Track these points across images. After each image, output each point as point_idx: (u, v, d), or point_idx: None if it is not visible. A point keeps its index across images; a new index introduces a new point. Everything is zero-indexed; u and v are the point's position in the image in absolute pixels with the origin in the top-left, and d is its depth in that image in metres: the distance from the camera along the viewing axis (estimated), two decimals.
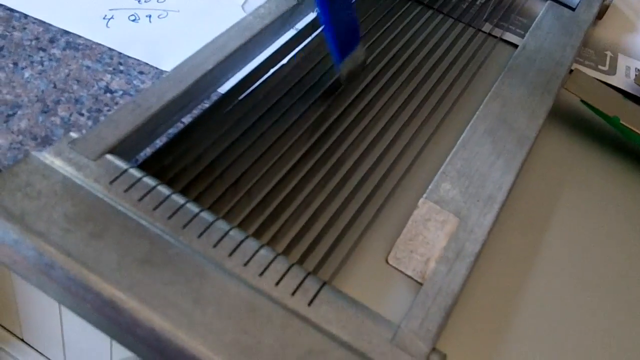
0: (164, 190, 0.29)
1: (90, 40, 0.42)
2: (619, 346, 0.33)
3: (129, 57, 0.42)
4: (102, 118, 0.37)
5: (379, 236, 0.33)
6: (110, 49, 0.42)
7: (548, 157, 0.41)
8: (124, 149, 0.31)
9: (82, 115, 0.37)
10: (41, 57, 0.40)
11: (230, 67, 0.37)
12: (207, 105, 0.36)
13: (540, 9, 0.49)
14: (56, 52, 0.41)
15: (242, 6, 0.48)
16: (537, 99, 0.40)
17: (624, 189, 0.41)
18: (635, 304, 0.35)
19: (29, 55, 0.40)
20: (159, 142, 0.35)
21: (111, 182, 0.29)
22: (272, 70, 0.39)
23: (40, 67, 0.39)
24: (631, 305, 0.35)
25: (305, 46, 0.41)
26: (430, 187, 0.34)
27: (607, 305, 0.35)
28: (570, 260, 0.36)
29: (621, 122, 0.41)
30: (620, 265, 0.37)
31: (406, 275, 0.32)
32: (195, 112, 0.37)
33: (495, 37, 0.48)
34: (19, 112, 0.37)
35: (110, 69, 0.41)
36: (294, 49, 0.41)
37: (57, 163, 0.29)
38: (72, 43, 0.41)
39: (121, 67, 0.41)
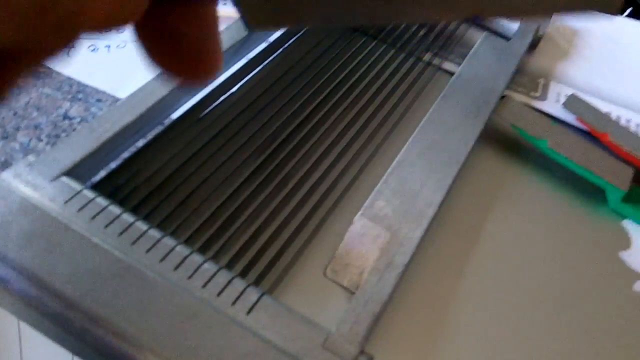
0: (115, 209, 0.32)
1: (51, 69, 0.44)
2: (545, 353, 0.36)
3: (87, 85, 0.44)
4: None
5: (319, 250, 0.36)
6: (69, 77, 0.44)
7: (480, 177, 0.44)
8: (79, 171, 0.34)
9: (41, 140, 0.40)
10: None
11: (183, 94, 0.40)
12: (160, 129, 0.39)
13: (477, 40, 0.53)
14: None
15: None
16: (469, 123, 0.43)
17: (549, 206, 0.44)
18: (559, 311, 0.38)
19: None
20: (113, 165, 0.38)
21: (65, 202, 0.31)
22: (223, 97, 0.42)
23: None
24: (556, 312, 0.38)
25: (255, 74, 0.44)
26: (365, 204, 0.37)
27: (534, 313, 0.38)
28: (498, 272, 0.39)
29: (548, 144, 0.44)
30: (545, 276, 0.40)
31: (342, 286, 0.34)
32: (149, 135, 0.40)
33: (435, 65, 0.51)
34: None
35: (69, 96, 0.43)
36: (245, 76, 0.44)
37: (15, 184, 0.32)
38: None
39: (80, 95, 0.43)
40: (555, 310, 0.38)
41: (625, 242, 0.43)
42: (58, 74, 0.44)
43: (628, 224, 0.44)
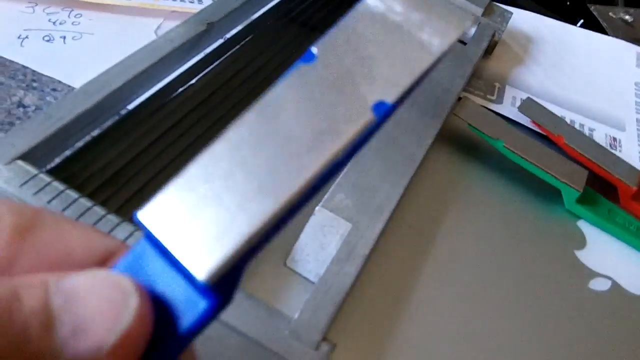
0: (72, 193, 0.31)
1: (4, 58, 0.43)
2: (500, 347, 0.36)
3: (42, 75, 0.43)
4: None
5: (279, 241, 0.36)
6: (24, 66, 0.43)
7: (437, 175, 0.45)
8: (34, 156, 0.33)
9: None
10: None
11: (139, 85, 0.39)
12: (117, 118, 0.38)
13: None
14: None
15: (155, 31, 0.50)
16: (427, 122, 0.44)
17: (505, 206, 0.45)
18: (516, 306, 0.38)
19: None
20: (68, 152, 0.37)
21: (21, 185, 0.31)
22: (180, 89, 0.41)
23: None
24: (513, 307, 0.38)
25: (213, 68, 0.44)
26: (326, 196, 0.37)
27: (490, 307, 0.38)
28: (454, 267, 0.39)
29: (504, 144, 0.44)
30: (502, 272, 0.40)
31: (302, 276, 0.34)
32: (106, 124, 0.39)
33: None
34: None
35: (24, 85, 0.42)
36: (202, 70, 0.43)
37: None
38: None
39: (35, 84, 0.42)
40: (512, 305, 0.39)
41: (580, 241, 0.44)
42: (12, 62, 0.43)
43: (583, 224, 0.45)
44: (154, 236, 0.15)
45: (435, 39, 0.17)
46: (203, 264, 0.14)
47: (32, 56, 0.44)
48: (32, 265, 0.16)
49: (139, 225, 0.15)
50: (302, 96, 0.16)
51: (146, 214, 0.15)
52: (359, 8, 0.18)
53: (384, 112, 0.16)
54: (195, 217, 0.15)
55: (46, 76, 0.43)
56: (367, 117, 0.16)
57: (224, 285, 0.15)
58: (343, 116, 0.16)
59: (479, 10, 0.58)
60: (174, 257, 0.15)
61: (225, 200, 0.15)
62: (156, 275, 0.16)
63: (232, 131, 0.16)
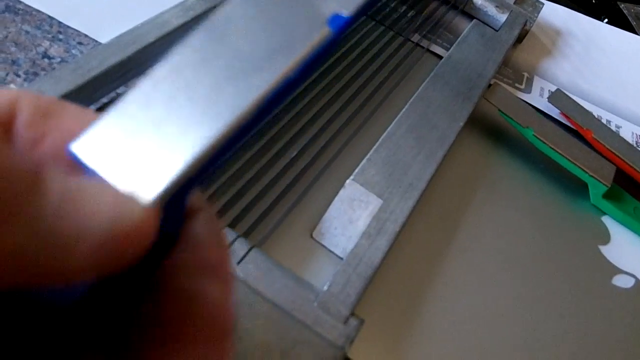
0: None
1: (30, 7, 0.42)
2: (517, 330, 0.36)
3: (68, 27, 0.42)
4: None
5: (307, 211, 0.35)
6: (50, 17, 0.42)
7: (465, 158, 0.44)
8: None
9: (19, 76, 0.38)
10: None
11: (170, 42, 0.38)
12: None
13: (466, 27, 0.52)
14: None
15: None
16: (459, 104, 0.43)
17: (531, 195, 0.44)
18: (533, 288, 0.38)
19: None
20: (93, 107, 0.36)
21: None
22: None
23: None
24: (531, 291, 0.38)
25: None
26: (356, 170, 0.36)
27: (514, 291, 0.37)
28: (478, 248, 0.39)
29: (534, 133, 0.44)
30: (526, 259, 0.39)
31: (328, 249, 0.33)
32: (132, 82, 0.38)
33: (423, 47, 0.50)
34: None
35: (50, 36, 0.41)
36: None
37: None
38: (12, 7, 0.42)
39: (60, 36, 0.41)
40: (533, 293, 0.38)
41: (604, 237, 0.43)
42: (38, 11, 0.42)
43: (607, 220, 0.44)
44: (90, 169, 0.14)
45: None
46: (142, 196, 0.13)
47: (59, 7, 0.43)
48: (54, 151, 0.15)
49: (73, 159, 0.14)
50: (252, 12, 0.15)
51: (81, 146, 0.14)
52: None
53: (340, 26, 0.15)
54: (133, 146, 0.14)
55: (72, 29, 0.42)
56: (322, 31, 0.15)
57: (167, 217, 0.14)
58: (296, 31, 0.15)
59: None
60: None
61: (166, 126, 0.14)
62: None
63: (175, 52, 0.15)
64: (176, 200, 0.14)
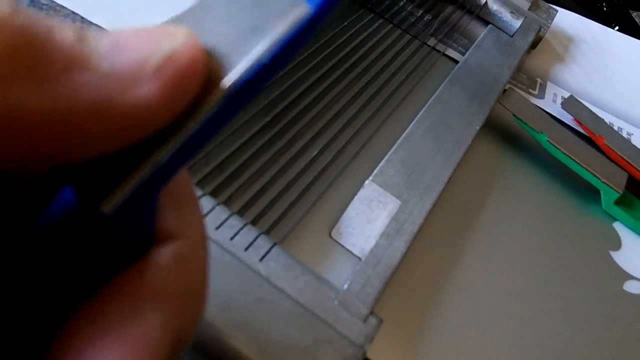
0: None
1: (55, 2, 0.43)
2: (529, 334, 0.36)
3: (91, 22, 0.42)
4: None
5: (325, 211, 0.35)
6: (73, 12, 0.42)
7: (479, 161, 0.44)
8: None
9: None
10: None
11: None
12: None
13: (481, 32, 0.53)
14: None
15: None
16: (475, 107, 0.43)
17: (544, 200, 0.44)
18: (550, 298, 0.38)
19: None
20: None
21: None
22: None
23: None
24: (547, 299, 0.38)
25: None
26: (375, 171, 0.36)
27: (525, 285, 0.38)
28: (492, 251, 0.39)
29: (547, 139, 0.44)
30: (537, 265, 0.40)
31: (346, 249, 0.34)
32: None
33: (439, 51, 0.51)
34: None
35: None
36: None
37: None
38: (37, 2, 0.42)
39: None
40: (545, 297, 0.38)
41: (616, 243, 0.44)
42: (62, 7, 0.42)
43: (619, 226, 0.45)
44: None
45: None
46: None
47: (83, 2, 0.43)
48: None
49: None
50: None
51: None
52: None
53: (319, 4, 0.14)
54: None
55: (95, 25, 0.42)
56: (299, 10, 0.14)
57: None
58: (271, 10, 0.14)
59: (526, 4, 0.58)
60: None
61: None
62: None
63: None
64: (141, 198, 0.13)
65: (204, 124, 0.13)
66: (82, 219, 0.14)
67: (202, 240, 0.17)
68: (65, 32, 0.12)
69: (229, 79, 0.13)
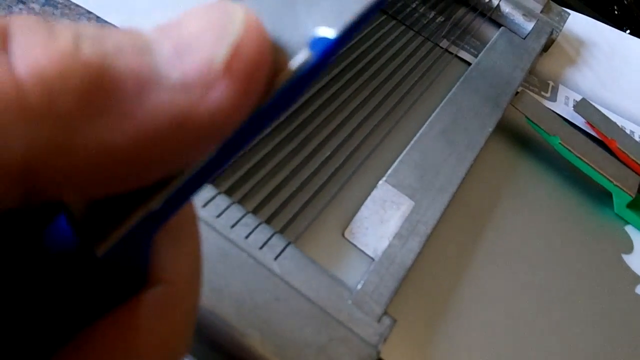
0: None
1: (70, 1, 0.43)
2: (541, 335, 0.36)
3: (106, 22, 0.43)
4: None
5: (339, 211, 0.35)
6: (88, 11, 0.43)
7: (492, 163, 0.44)
8: None
9: None
10: (20, 9, 0.41)
11: None
12: None
13: (493, 35, 0.53)
14: (35, 6, 0.41)
15: None
16: (488, 109, 0.43)
17: (556, 203, 0.44)
18: (557, 295, 0.38)
19: (9, 6, 0.40)
20: None
21: None
22: None
23: None
24: (555, 297, 0.38)
25: None
26: (389, 172, 0.36)
27: (537, 288, 0.38)
28: (504, 253, 0.39)
29: (560, 141, 0.44)
30: (550, 268, 0.40)
31: (359, 249, 0.34)
32: None
33: (451, 53, 0.51)
34: None
35: None
36: None
37: None
38: (52, 1, 0.42)
39: None
40: (557, 299, 0.38)
41: (628, 246, 0.44)
42: (77, 6, 0.42)
43: (631, 230, 0.45)
44: None
45: None
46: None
47: (98, 2, 0.44)
48: None
49: None
50: None
51: None
52: None
53: (322, 49, 0.12)
54: None
55: (109, 24, 0.43)
56: (302, 55, 0.12)
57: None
58: None
59: (538, 7, 0.58)
60: None
61: None
62: None
63: None
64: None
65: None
66: (76, 251, 0.14)
67: (195, 282, 0.17)
68: (127, 49, 0.11)
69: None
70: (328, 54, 0.13)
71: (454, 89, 0.44)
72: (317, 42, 0.12)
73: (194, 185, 0.13)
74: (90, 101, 0.11)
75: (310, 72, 0.13)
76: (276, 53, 0.12)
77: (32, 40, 0.11)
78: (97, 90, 0.11)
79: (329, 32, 0.12)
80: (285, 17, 0.13)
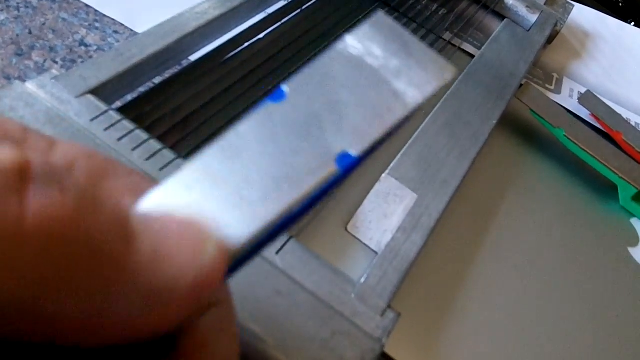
0: (142, 134, 0.30)
1: None
2: (547, 326, 0.36)
3: (105, 15, 0.42)
4: None
5: (342, 204, 0.35)
6: (87, 5, 0.42)
7: (496, 156, 0.44)
8: (104, 92, 0.32)
9: (57, 63, 0.38)
10: (17, 3, 0.40)
11: (209, 33, 0.38)
12: (186, 64, 0.37)
13: (497, 27, 0.52)
14: (33, 0, 0.41)
15: None
16: (492, 102, 0.43)
17: (561, 195, 0.44)
18: (563, 286, 0.38)
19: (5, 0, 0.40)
20: (129, 97, 0.36)
21: (91, 120, 0.30)
22: (248, 43, 0.40)
23: (16, 13, 0.40)
24: (561, 289, 0.38)
25: (278, 27, 0.43)
26: (392, 165, 0.36)
27: (542, 280, 0.37)
28: (509, 246, 0.39)
29: (565, 134, 0.44)
30: (555, 260, 0.39)
31: (363, 243, 0.33)
32: (174, 70, 0.38)
33: (455, 45, 0.50)
34: None
35: (86, 24, 0.41)
36: (270, 26, 0.42)
37: (40, 94, 0.30)
38: None
39: (97, 24, 0.41)
40: (562, 291, 0.38)
41: (633, 238, 0.43)
42: (75, 0, 0.42)
43: (636, 222, 0.44)
44: None
45: (412, 90, 0.16)
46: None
47: None
48: None
49: None
50: (265, 137, 0.15)
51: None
52: (337, 47, 0.17)
53: (347, 165, 0.15)
54: None
55: (108, 17, 0.42)
56: (329, 168, 0.15)
57: None
58: (304, 165, 0.15)
59: None
60: None
61: None
62: None
63: (186, 169, 0.15)
64: None
65: None
66: None
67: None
68: (113, 235, 0.12)
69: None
70: (351, 169, 0.15)
71: (456, 82, 0.43)
72: (343, 158, 0.15)
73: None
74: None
75: (333, 183, 0.15)
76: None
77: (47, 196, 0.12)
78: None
79: (354, 151, 0.15)
80: (316, 135, 0.15)
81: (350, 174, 0.15)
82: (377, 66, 0.16)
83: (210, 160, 0.15)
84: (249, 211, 0.14)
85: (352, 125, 0.15)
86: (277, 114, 0.15)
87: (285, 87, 0.16)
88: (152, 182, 0.16)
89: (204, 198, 0.14)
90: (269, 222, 0.14)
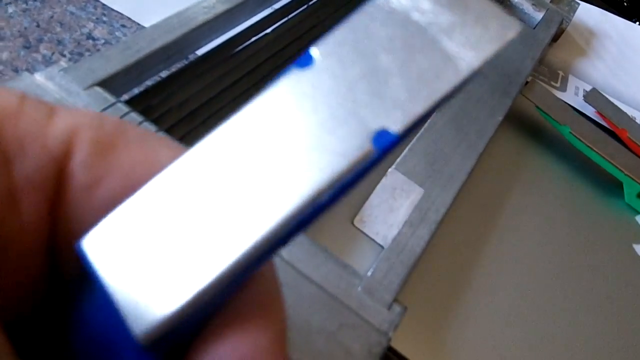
0: (150, 126, 0.30)
1: None
2: (551, 321, 0.36)
3: (112, 9, 0.42)
4: None
5: (348, 198, 0.35)
6: None
7: (502, 152, 0.44)
8: (112, 84, 0.32)
9: (64, 56, 0.38)
10: None
11: (216, 27, 0.38)
12: (193, 59, 0.37)
13: None
14: None
15: None
16: (497, 98, 0.43)
17: (566, 192, 0.44)
18: (567, 283, 0.38)
19: None
20: (136, 90, 0.36)
21: (100, 112, 0.30)
22: (255, 38, 0.40)
23: (24, 6, 0.40)
24: (566, 285, 0.38)
25: (284, 23, 0.43)
26: (399, 159, 0.36)
27: (548, 276, 0.37)
28: (516, 240, 0.39)
29: (570, 131, 0.44)
30: (560, 257, 0.39)
31: (369, 237, 0.33)
32: (180, 64, 0.38)
33: None
34: (1, 44, 0.37)
35: (94, 17, 0.41)
36: (277, 22, 0.42)
37: (49, 86, 0.30)
38: None
39: (104, 18, 0.41)
40: (567, 287, 0.38)
41: (638, 236, 0.43)
42: None
43: None
44: (96, 273, 0.12)
45: (467, 52, 0.13)
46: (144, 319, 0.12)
47: None
48: (116, 190, 0.13)
49: (81, 257, 0.12)
50: (287, 113, 0.13)
51: (93, 241, 0.12)
52: (376, 0, 0.13)
53: (386, 145, 0.13)
54: (146, 257, 0.12)
55: (115, 11, 0.42)
56: (364, 149, 0.12)
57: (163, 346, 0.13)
58: (335, 145, 0.13)
59: None
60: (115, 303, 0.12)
61: (178, 245, 0.12)
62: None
63: (192, 153, 0.13)
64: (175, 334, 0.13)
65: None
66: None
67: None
68: None
69: None
70: (389, 148, 0.13)
71: None
72: (380, 136, 0.12)
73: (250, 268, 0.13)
74: None
75: (370, 165, 0.13)
76: None
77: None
78: None
79: (394, 128, 0.12)
80: (349, 108, 0.13)
81: (388, 153, 0.13)
82: (425, 23, 0.13)
83: (217, 144, 0.13)
84: (264, 203, 0.13)
85: (393, 97, 0.13)
86: (303, 84, 0.13)
87: (313, 51, 0.13)
88: (171, 143, 0.14)
89: None
90: (287, 218, 0.12)
